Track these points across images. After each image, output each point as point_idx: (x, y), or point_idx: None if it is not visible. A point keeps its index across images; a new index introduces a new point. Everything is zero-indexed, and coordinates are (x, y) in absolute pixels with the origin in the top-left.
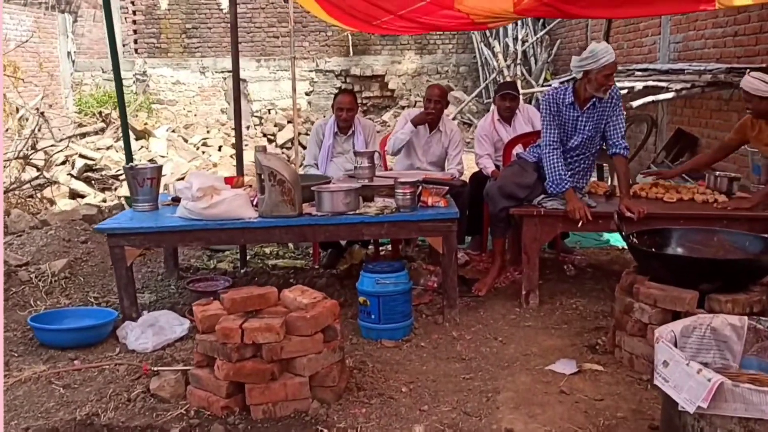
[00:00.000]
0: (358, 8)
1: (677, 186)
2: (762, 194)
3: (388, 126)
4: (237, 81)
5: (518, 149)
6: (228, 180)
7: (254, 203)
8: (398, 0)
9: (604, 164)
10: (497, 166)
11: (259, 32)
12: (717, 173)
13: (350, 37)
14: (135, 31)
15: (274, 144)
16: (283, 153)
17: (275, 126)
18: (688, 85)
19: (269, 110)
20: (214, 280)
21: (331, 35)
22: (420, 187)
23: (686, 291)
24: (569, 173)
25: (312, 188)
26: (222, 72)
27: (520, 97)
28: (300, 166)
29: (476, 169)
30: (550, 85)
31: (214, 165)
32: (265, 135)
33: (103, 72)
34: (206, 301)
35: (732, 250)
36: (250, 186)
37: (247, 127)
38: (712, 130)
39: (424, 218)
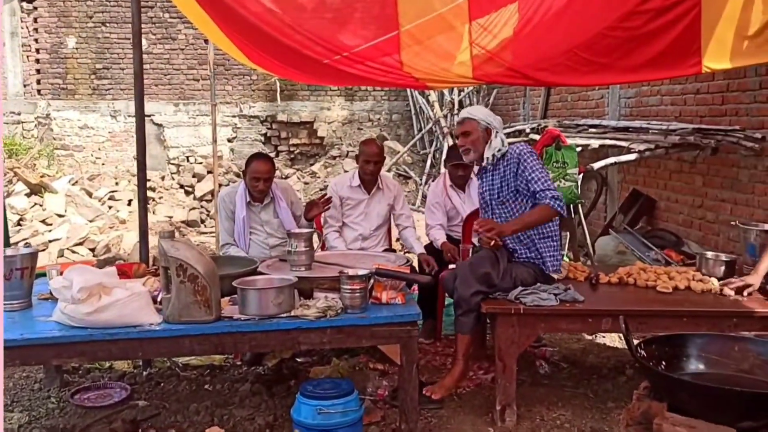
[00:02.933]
0: (285, 53)
1: (668, 270)
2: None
3: (318, 177)
4: (142, 132)
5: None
6: (125, 267)
7: (158, 300)
8: (330, 45)
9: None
10: (450, 238)
11: (177, 74)
12: (708, 255)
13: (277, 82)
14: (38, 71)
15: (192, 196)
16: (201, 206)
17: (194, 177)
18: (652, 146)
19: (188, 157)
20: (107, 389)
21: (255, 79)
22: (372, 281)
23: (722, 429)
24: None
25: (234, 284)
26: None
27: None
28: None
29: (427, 240)
30: None
31: (122, 222)
32: (182, 186)
33: None
34: None
35: (763, 366)
36: (155, 274)
37: (162, 177)
38: (672, 193)
39: (378, 321)
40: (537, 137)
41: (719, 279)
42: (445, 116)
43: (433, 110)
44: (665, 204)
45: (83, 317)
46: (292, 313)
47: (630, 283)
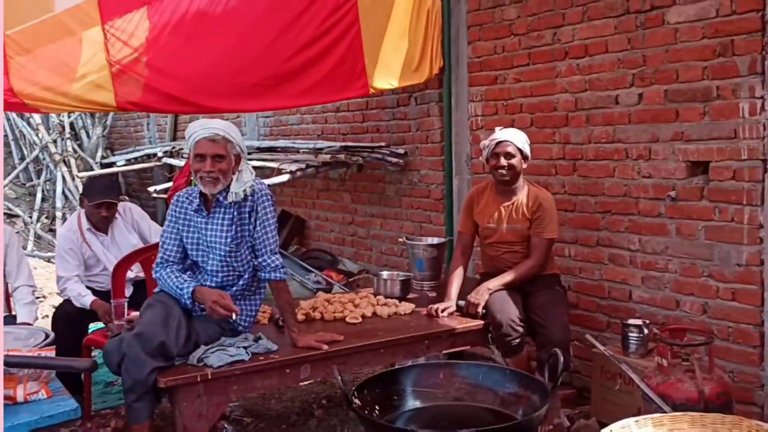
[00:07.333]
0: None
1: (351, 298)
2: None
3: None
4: None
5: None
6: None
7: None
8: None
9: None
10: (93, 291)
11: None
12: (384, 275)
13: None
14: None
15: None
16: None
17: None
18: (303, 166)
19: None
20: None
21: None
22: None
23: None
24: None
25: None
26: None
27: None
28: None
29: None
30: (112, 164)
31: None
32: None
33: None
34: None
35: (474, 392)
36: None
37: None
38: (321, 211)
39: None
40: (174, 162)
41: (398, 298)
42: (55, 141)
43: (38, 135)
44: (315, 223)
45: None
46: None
47: (316, 318)
